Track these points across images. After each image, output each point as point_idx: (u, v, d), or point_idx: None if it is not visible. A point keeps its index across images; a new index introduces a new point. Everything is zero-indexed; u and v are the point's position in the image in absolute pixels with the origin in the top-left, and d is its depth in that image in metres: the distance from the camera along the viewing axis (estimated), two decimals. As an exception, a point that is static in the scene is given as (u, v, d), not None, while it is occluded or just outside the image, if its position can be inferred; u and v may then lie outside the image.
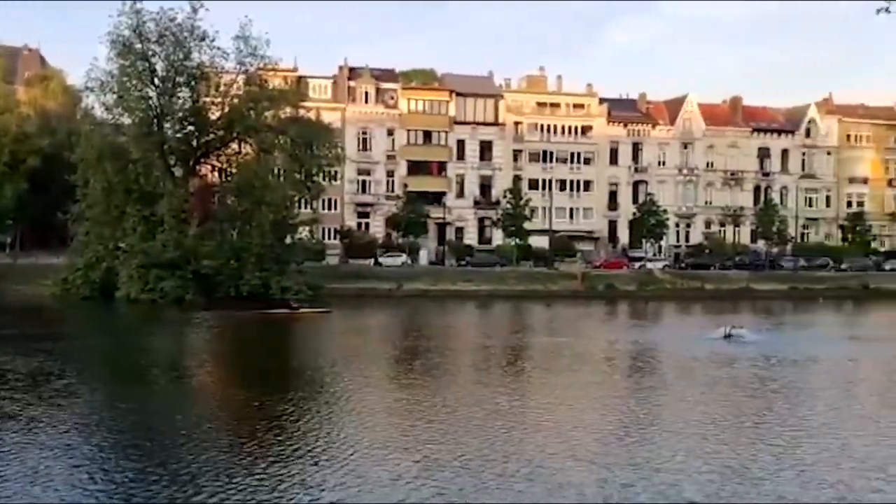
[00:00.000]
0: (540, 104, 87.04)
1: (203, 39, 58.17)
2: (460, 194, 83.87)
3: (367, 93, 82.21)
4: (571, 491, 15.15)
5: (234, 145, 62.16)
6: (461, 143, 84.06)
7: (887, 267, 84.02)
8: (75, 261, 58.05)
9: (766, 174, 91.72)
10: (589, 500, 14.69)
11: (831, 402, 24.71)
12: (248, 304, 51.01)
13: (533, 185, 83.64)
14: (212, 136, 61.35)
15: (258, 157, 60.82)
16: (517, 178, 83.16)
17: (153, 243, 55.00)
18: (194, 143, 61.19)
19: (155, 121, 58.66)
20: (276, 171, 61.07)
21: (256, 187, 57.37)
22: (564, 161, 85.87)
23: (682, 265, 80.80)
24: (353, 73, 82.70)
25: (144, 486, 14.92)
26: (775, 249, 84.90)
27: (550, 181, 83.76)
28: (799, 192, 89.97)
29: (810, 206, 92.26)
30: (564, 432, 19.62)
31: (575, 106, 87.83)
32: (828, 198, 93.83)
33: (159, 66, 58.28)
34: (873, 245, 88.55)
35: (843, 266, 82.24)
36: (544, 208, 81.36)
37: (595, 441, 19.05)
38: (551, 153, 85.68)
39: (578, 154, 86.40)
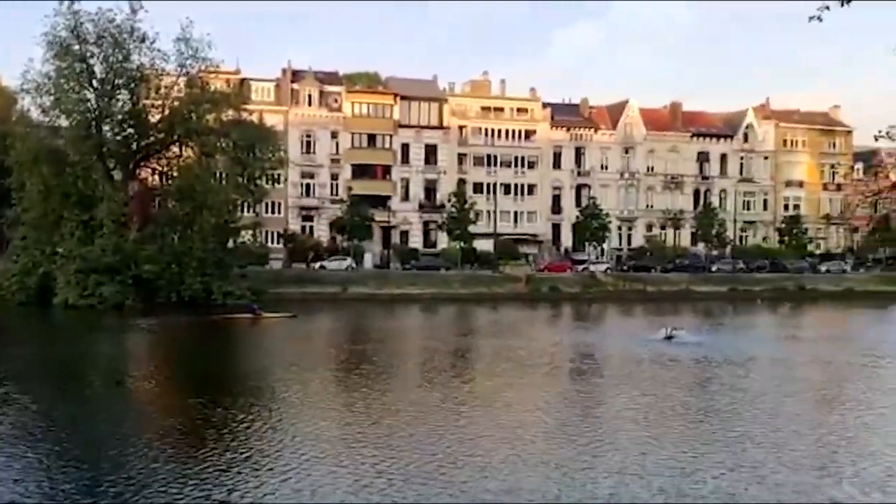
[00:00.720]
0: (484, 108, 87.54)
1: (143, 41, 57.44)
2: (405, 198, 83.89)
3: (310, 96, 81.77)
4: (522, 493, 15.26)
5: (175, 148, 61.42)
6: (406, 147, 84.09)
7: (823, 269, 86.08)
8: (10, 266, 56.83)
9: (706, 178, 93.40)
10: (538, 501, 14.82)
11: (769, 401, 25.25)
12: (206, 310, 50.45)
13: (477, 188, 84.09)
14: (152, 139, 60.54)
15: (200, 160, 60.13)
16: (462, 182, 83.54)
17: (92, 248, 54.06)
18: (134, 146, 60.34)
19: (93, 123, 57.63)
20: (218, 174, 60.50)
21: (198, 191, 56.79)
22: (508, 165, 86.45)
23: (625, 268, 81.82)
24: (297, 75, 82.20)
25: (90, 497, 14.63)
26: (715, 252, 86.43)
27: (495, 185, 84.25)
28: (737, 196, 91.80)
29: (748, 209, 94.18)
30: (511, 434, 19.71)
31: (519, 110, 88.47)
32: (765, 201, 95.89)
33: (98, 68, 57.34)
34: (809, 247, 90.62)
35: (781, 268, 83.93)
36: (489, 212, 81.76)
37: (542, 442, 19.20)
38: (495, 157, 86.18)
39: (522, 158, 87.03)
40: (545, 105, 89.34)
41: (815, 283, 79.85)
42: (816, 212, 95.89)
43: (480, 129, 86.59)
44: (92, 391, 26.61)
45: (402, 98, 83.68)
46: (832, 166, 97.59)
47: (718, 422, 21.87)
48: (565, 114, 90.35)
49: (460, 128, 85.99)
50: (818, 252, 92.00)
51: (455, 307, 62.02)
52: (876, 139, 13.03)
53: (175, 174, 61.13)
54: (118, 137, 59.36)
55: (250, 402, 23.91)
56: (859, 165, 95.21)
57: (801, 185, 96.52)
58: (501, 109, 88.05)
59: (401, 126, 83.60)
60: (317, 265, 71.83)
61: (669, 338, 39.19)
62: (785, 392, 27.43)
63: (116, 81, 57.82)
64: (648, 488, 15.65)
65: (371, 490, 15.23)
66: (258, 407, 23.28)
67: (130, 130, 59.88)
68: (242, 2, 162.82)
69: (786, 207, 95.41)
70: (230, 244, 61.06)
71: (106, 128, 58.65)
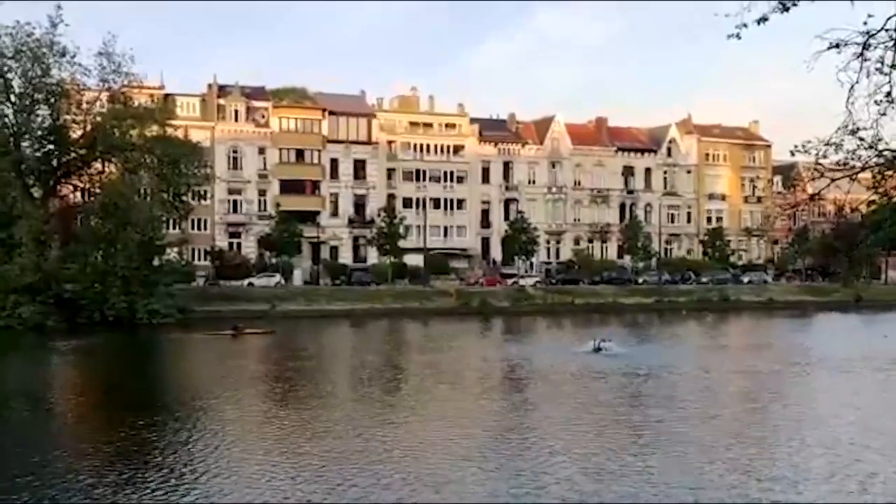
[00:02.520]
0: (413, 123, 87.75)
1: (63, 55, 56.35)
2: (334, 213, 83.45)
3: (237, 111, 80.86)
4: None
5: (98, 165, 60.35)
6: (335, 162, 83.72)
7: (745, 280, 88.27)
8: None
9: (631, 192, 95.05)
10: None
11: (695, 410, 25.83)
12: (185, 327, 50.25)
13: (407, 203, 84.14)
14: (73, 155, 59.34)
15: (123, 176, 59.15)
16: (391, 197, 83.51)
17: (10, 267, 52.67)
18: (54, 162, 59.08)
19: (11, 139, 56.30)
20: (142, 190, 59.51)
21: (121, 207, 55.75)
22: (438, 180, 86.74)
23: (553, 281, 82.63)
24: (223, 90, 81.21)
25: None
26: (641, 264, 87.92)
27: (424, 199, 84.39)
28: (662, 209, 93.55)
29: (672, 222, 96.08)
30: (439, 450, 19.75)
31: (447, 125, 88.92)
32: (689, 214, 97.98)
33: (16, 83, 56.11)
34: (732, 259, 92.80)
35: (704, 279, 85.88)
36: (419, 226, 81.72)
37: (470, 456, 19.26)
38: (424, 172, 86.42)
39: (451, 173, 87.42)
40: (473, 120, 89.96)
41: (738, 294, 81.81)
42: (738, 224, 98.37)
43: (409, 144, 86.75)
44: (15, 416, 25.81)
45: (331, 113, 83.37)
46: (752, 179, 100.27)
47: (646, 431, 22.24)
48: (493, 129, 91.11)
49: (389, 143, 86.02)
50: (740, 263, 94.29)
51: (386, 322, 61.90)
52: (792, 154, 13.39)
53: (98, 191, 59.88)
54: (38, 153, 58.11)
55: (176, 422, 23.52)
56: (778, 178, 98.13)
57: (723, 198, 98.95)
58: (430, 125, 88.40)
59: (329, 141, 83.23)
60: (245, 282, 70.84)
61: (598, 350, 39.70)
62: (709, 400, 28.05)
63: (36, 96, 56.54)
64: (572, 489, 15.87)
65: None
66: (183, 427, 22.90)
67: (51, 146, 58.65)
68: (167, 14, 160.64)
69: (709, 220, 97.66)
70: (156, 262, 59.86)
71: (25, 144, 57.31)
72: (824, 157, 13.49)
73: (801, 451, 20.13)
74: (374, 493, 16.09)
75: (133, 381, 34.08)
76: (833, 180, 14.08)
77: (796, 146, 13.41)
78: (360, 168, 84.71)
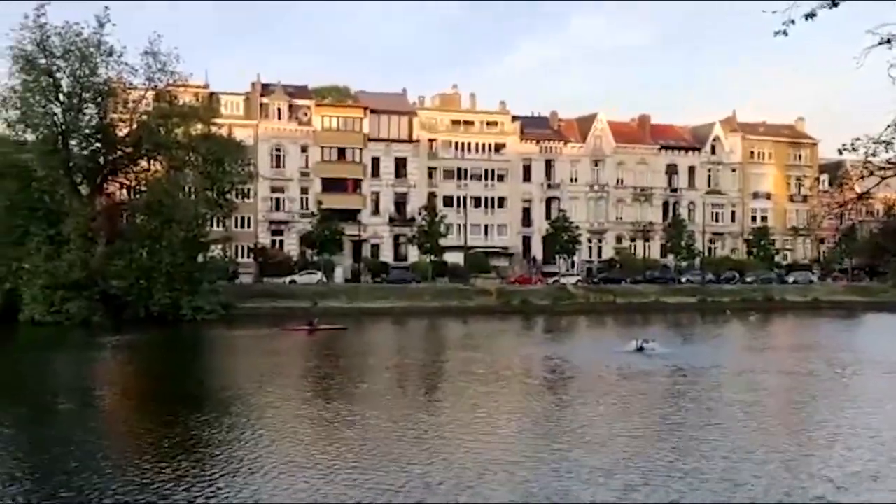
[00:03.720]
0: (454, 122, 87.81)
1: (110, 55, 57.23)
2: (375, 211, 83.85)
3: (279, 109, 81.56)
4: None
5: (144, 163, 61.16)
6: (376, 161, 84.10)
7: (790, 279, 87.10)
8: (-25, 282, 55.96)
9: (674, 190, 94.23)
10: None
11: (739, 411, 25.57)
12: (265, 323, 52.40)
13: (448, 201, 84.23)
14: (120, 153, 60.23)
15: (168, 174, 60.00)
16: (432, 195, 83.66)
17: (58, 263, 53.59)
18: (101, 160, 59.99)
19: (60, 138, 57.23)
20: (186, 188, 60.26)
21: (166, 205, 56.54)
22: (479, 178, 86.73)
23: (595, 280, 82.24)
24: (266, 89, 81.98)
25: None
26: (684, 263, 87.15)
27: (465, 198, 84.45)
28: (705, 208, 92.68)
29: (716, 220, 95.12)
30: (483, 449, 19.75)
31: (488, 123, 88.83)
32: (733, 213, 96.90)
33: (65, 82, 57.02)
34: (777, 258, 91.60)
35: (749, 279, 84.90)
36: (459, 225, 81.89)
37: (513, 455, 19.27)
38: (465, 170, 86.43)
39: (492, 171, 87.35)
40: (515, 118, 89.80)
41: (783, 294, 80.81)
42: (783, 223, 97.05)
43: (450, 142, 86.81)
44: (71, 410, 26.34)
45: (372, 112, 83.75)
46: (798, 178, 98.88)
47: (689, 433, 22.06)
48: (535, 126, 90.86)
49: (430, 141, 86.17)
50: (785, 263, 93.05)
51: (426, 321, 62.03)
52: (840, 152, 13.22)
53: (143, 189, 60.80)
54: (85, 152, 59.07)
55: (215, 416, 23.83)
56: (825, 177, 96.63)
57: (768, 196, 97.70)
58: (471, 123, 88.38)
59: (371, 140, 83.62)
60: (287, 279, 71.46)
61: (640, 349, 39.46)
62: (754, 401, 27.73)
63: (83, 95, 57.46)
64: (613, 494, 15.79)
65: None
66: (222, 421, 23.20)
67: (98, 145, 59.58)
68: (211, 14, 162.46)
69: (753, 219, 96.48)
70: (199, 259, 60.66)
71: (73, 142, 58.26)
72: (874, 154, 13.28)
73: (847, 452, 19.84)
74: (419, 493, 16.18)
75: (183, 376, 34.65)
76: (883, 178, 13.85)
77: (845, 144, 13.22)
78: (401, 166, 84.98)
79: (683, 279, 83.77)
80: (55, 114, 57.19)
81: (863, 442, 21.07)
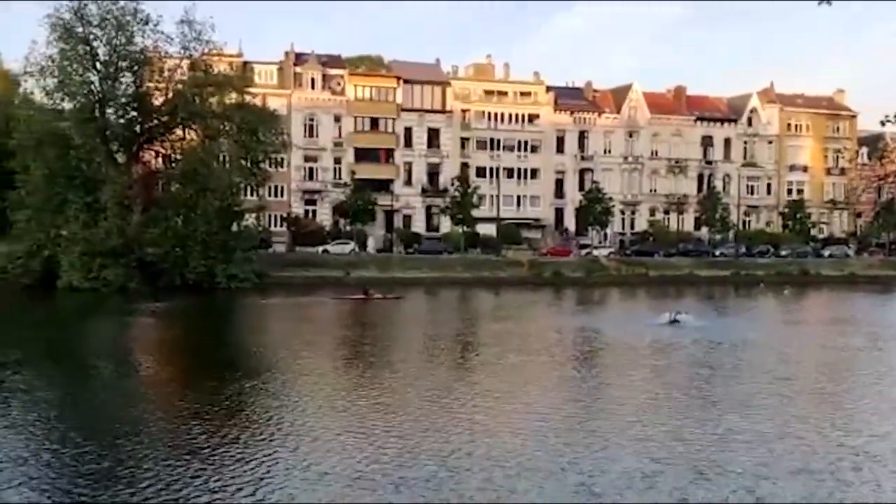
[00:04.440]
0: (487, 92, 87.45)
1: (146, 23, 57.64)
2: (408, 182, 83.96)
3: (313, 79, 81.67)
4: (532, 476, 15.58)
5: (179, 131, 61.69)
6: (409, 131, 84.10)
7: (826, 253, 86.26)
8: (14, 249, 56.98)
9: (709, 162, 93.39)
10: (549, 485, 15.14)
11: (773, 384, 25.57)
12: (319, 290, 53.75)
13: (480, 172, 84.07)
14: (155, 121, 60.78)
15: (203, 143, 60.46)
16: (465, 166, 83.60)
17: (96, 231, 54.35)
18: (137, 128, 60.55)
19: (97, 106, 57.87)
20: (221, 157, 60.73)
21: (201, 174, 57.04)
22: (512, 149, 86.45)
23: (628, 252, 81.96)
24: (300, 59, 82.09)
25: (101, 486, 14.86)
26: (718, 236, 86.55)
27: (498, 169, 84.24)
28: (741, 180, 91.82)
29: (752, 193, 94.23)
30: (519, 419, 19.95)
31: (522, 94, 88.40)
32: (769, 185, 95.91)
33: (101, 51, 57.49)
34: (812, 232, 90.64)
35: (783, 252, 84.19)
36: (492, 196, 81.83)
37: (547, 428, 19.47)
38: (499, 141, 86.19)
39: (525, 142, 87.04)
40: (549, 89, 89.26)
41: (818, 268, 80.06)
42: (820, 196, 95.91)
43: (483, 112, 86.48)
44: (115, 375, 26.91)
45: (405, 81, 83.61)
46: (836, 151, 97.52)
47: (723, 404, 22.15)
48: (569, 97, 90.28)
49: (463, 111, 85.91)
50: (821, 237, 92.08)
51: (458, 291, 62.26)
52: (882, 124, 13.12)
53: (178, 157, 61.36)
54: (122, 120, 59.62)
55: (242, 382, 24.26)
56: (863, 150, 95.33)
57: (804, 169, 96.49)
58: (505, 93, 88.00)
59: (404, 110, 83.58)
60: (320, 249, 71.98)
61: (674, 322, 39.47)
62: (788, 375, 27.68)
63: (120, 64, 57.93)
64: (653, 479, 15.95)
65: (382, 478, 15.57)
66: (255, 388, 23.62)
67: (134, 113, 60.08)
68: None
69: (789, 192, 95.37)
70: (234, 227, 61.26)
71: (109, 111, 58.85)
72: (917, 127, 13.14)
73: (882, 426, 19.84)
74: (455, 460, 16.46)
75: (225, 342, 35.23)
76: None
77: (887, 116, 13.12)
78: (433, 137, 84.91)
79: (717, 252, 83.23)
80: (92, 82, 57.67)
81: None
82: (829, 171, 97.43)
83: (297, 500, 14.01)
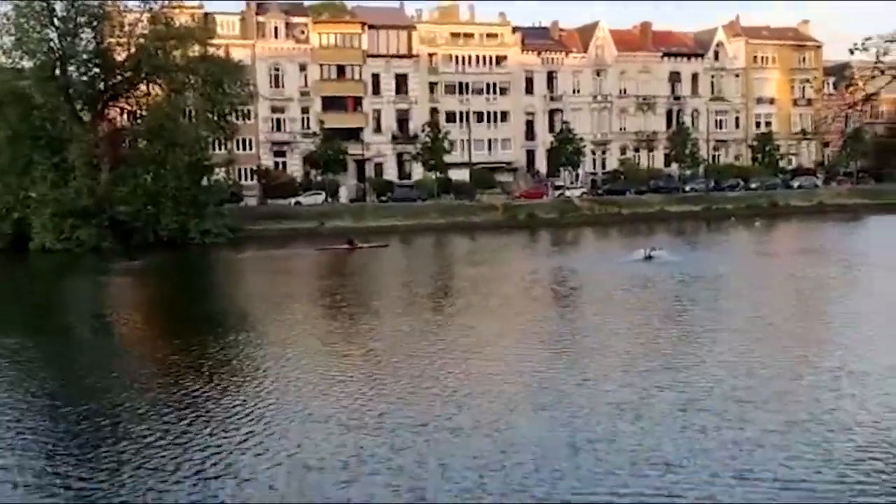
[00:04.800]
0: (453, 35, 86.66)
1: (104, -23, 56.41)
2: (377, 129, 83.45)
3: (276, 28, 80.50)
4: (523, 411, 16.05)
5: (143, 87, 60.89)
6: (376, 77, 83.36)
7: (795, 184, 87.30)
8: (-18, 212, 56.37)
9: (678, 98, 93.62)
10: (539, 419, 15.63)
11: (750, 314, 26.27)
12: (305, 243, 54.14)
13: (450, 117, 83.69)
14: (119, 78, 59.92)
15: (168, 97, 59.73)
16: (434, 111, 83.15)
17: (65, 191, 53.95)
18: (101, 85, 59.73)
19: (57, 64, 56.93)
20: (187, 111, 60.14)
21: (168, 129, 56.59)
22: (480, 92, 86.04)
23: (599, 192, 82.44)
24: (261, 8, 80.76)
25: (87, 447, 15.11)
26: (688, 172, 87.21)
27: (467, 113, 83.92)
28: (709, 115, 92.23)
29: (720, 128, 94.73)
30: (506, 367, 20.29)
31: (488, 36, 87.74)
32: (737, 119, 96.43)
33: (59, 6, 56.56)
34: (781, 164, 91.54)
35: (753, 185, 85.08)
36: (463, 140, 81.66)
37: (533, 372, 19.96)
38: (467, 84, 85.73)
39: (494, 84, 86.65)
40: (515, 30, 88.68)
41: (788, 199, 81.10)
42: (788, 128, 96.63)
43: (450, 56, 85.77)
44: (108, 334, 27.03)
45: (370, 27, 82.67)
46: (803, 82, 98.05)
47: (708, 340, 22.76)
48: (536, 38, 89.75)
49: (430, 56, 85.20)
50: (790, 168, 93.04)
51: (433, 238, 62.56)
52: (851, 52, 13.45)
53: (144, 113, 60.66)
54: (84, 77, 58.75)
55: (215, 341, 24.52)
56: (830, 80, 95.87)
57: (771, 101, 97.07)
58: (471, 35, 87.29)
59: (370, 56, 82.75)
60: (292, 201, 71.77)
61: (648, 258, 40.10)
62: (762, 304, 28.37)
63: (79, 20, 56.93)
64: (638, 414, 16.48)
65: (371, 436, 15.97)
66: (227, 344, 23.89)
67: (96, 70, 59.21)
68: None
69: (757, 125, 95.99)
70: (204, 182, 60.94)
71: (71, 68, 57.94)
72: (885, 54, 13.50)
73: (856, 350, 20.51)
74: (431, 409, 16.90)
75: (200, 298, 35.35)
76: (895, 77, 14.06)
77: (856, 44, 13.43)
78: (401, 83, 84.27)
79: (688, 188, 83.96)
80: (51, 39, 56.67)
81: (868, 336, 21.77)
82: (796, 103, 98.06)
83: (292, 450, 14.39)
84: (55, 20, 56.31)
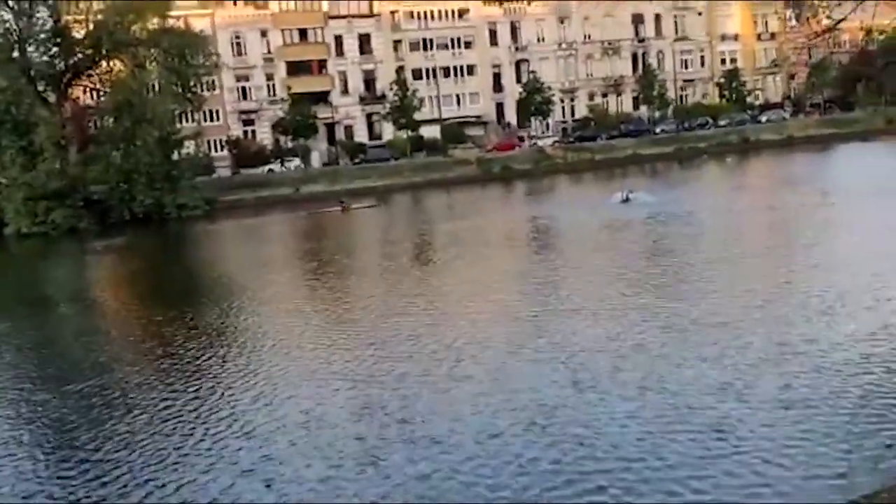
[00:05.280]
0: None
1: (56, -47, 55.48)
2: (345, 91, 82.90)
3: (234, -5, 79.59)
4: (516, 359, 16.52)
5: (105, 63, 60.07)
6: (339, 39, 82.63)
7: (763, 119, 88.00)
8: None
9: (642, 40, 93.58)
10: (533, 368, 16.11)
11: (732, 248, 26.85)
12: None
13: (417, 74, 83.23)
14: (79, 55, 59.09)
15: (132, 73, 59.05)
16: (400, 69, 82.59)
17: (36, 174, 53.39)
18: (62, 65, 58.89)
19: (16, 45, 56.16)
20: (152, 86, 59.59)
21: (135, 105, 56.07)
22: (445, 47, 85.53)
23: (571, 140, 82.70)
24: (218, -25, 79.69)
25: (72, 428, 15.13)
26: (657, 114, 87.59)
27: (434, 69, 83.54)
28: (675, 55, 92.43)
29: (686, 68, 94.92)
30: (501, 329, 20.01)
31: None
32: (702, 58, 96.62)
33: (12, -13, 55.42)
34: (749, 100, 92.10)
35: (722, 123, 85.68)
36: (431, 97, 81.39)
37: (534, 309, 20.42)
38: (431, 40, 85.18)
39: (458, 39, 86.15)
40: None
41: (758, 134, 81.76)
42: (752, 63, 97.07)
43: (412, 12, 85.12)
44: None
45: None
46: (765, 16, 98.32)
47: (693, 275, 23.31)
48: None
49: (392, 13, 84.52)
50: (758, 103, 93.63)
51: (410, 195, 62.75)
52: (814, -20, 13.72)
53: (108, 90, 60.00)
54: (44, 58, 57.94)
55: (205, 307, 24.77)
56: (791, 13, 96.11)
57: (735, 38, 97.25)
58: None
59: (331, 17, 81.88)
60: (265, 169, 71.48)
61: (626, 200, 40.58)
62: (740, 238, 28.98)
63: (33, -1, 56.05)
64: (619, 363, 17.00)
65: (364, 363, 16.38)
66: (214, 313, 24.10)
67: (55, 49, 58.33)
68: None
69: (723, 62, 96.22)
70: (175, 156, 60.53)
71: (30, 48, 57.16)
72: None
73: (844, 268, 21.14)
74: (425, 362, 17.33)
75: (185, 272, 35.46)
76: (859, 2, 14.45)
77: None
78: (365, 43, 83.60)
79: (658, 130, 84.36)
80: (7, 20, 55.86)
81: (838, 262, 22.42)
82: (759, 37, 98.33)
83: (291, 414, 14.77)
84: (9, 1, 55.37)
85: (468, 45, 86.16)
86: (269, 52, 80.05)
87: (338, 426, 13.64)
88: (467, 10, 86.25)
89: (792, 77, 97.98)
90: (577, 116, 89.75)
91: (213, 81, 70.03)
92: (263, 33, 79.96)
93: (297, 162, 72.78)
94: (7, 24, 55.93)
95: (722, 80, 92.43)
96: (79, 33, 58.15)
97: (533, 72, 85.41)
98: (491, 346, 17.09)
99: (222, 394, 15.68)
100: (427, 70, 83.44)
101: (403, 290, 24.37)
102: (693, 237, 29.87)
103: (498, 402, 13.86)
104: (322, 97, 79.55)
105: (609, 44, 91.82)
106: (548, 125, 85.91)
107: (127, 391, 16.49)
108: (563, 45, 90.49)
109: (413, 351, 17.40)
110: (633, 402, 13.37)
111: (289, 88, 76.28)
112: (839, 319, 16.89)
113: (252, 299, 25.47)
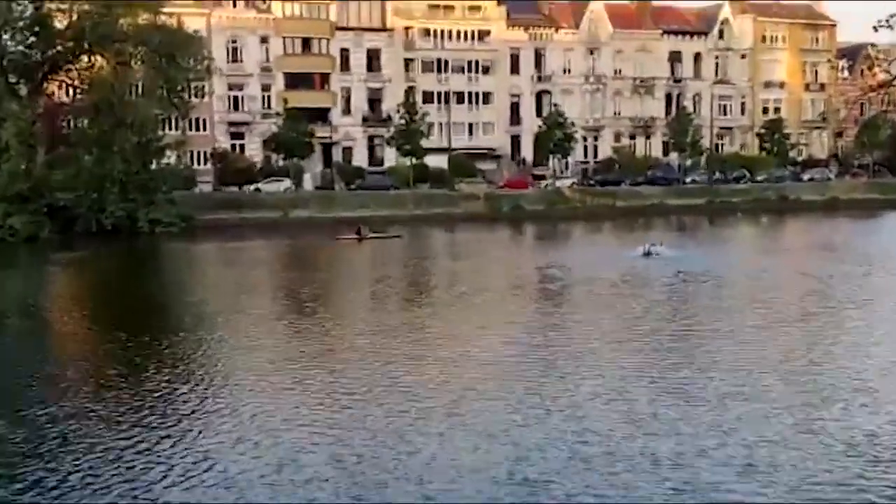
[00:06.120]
0: (432, 7, 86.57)
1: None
2: (347, 110, 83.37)
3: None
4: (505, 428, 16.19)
5: (86, 58, 60.42)
6: (345, 53, 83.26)
7: (805, 177, 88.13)
8: None
9: (678, 80, 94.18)
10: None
11: (756, 316, 26.56)
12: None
13: (427, 98, 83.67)
14: (59, 48, 59.48)
15: (115, 71, 59.34)
16: (410, 91, 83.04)
17: (-3, 174, 53.49)
18: (39, 56, 59.24)
19: (-10, 32, 56.50)
20: (136, 86, 59.84)
21: (115, 106, 56.41)
22: (461, 70, 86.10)
23: (591, 182, 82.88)
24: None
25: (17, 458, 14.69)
26: (689, 162, 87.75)
27: (447, 93, 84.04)
28: (713, 99, 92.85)
29: (725, 113, 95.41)
30: (480, 370, 20.27)
31: (471, 8, 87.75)
32: (742, 104, 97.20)
33: (-8, -31, 55.89)
34: (791, 154, 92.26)
35: (760, 177, 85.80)
36: (441, 124, 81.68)
37: (540, 357, 20.10)
38: (446, 62, 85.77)
39: (476, 62, 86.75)
40: (500, 2, 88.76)
41: (798, 193, 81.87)
42: (798, 115, 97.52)
43: (428, 30, 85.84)
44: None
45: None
46: (815, 64, 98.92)
47: (713, 340, 23.01)
48: (522, 11, 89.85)
49: (406, 29, 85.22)
50: (800, 159, 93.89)
51: (409, 229, 62.54)
52: (875, 29, 13.60)
53: (87, 88, 60.24)
54: (21, 48, 58.28)
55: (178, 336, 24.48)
56: (843, 63, 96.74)
57: (781, 86, 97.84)
58: (451, 8, 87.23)
59: (339, 28, 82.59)
60: (251, 188, 71.52)
61: (648, 254, 40.43)
62: (771, 305, 28.67)
63: (15, -17, 56.49)
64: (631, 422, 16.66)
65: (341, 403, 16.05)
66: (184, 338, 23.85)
67: (33, 39, 58.69)
68: None
69: (765, 111, 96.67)
70: (154, 166, 60.60)
71: (6, 36, 57.57)
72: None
73: (870, 354, 20.84)
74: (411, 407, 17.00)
75: (149, 293, 35.15)
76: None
77: (880, 21, 13.56)
78: (373, 59, 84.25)
79: (689, 179, 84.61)
80: (-17, 5, 56.24)
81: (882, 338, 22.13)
82: (807, 87, 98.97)
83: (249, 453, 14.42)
84: (-14, -16, 55.88)
85: (486, 70, 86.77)
86: (267, 60, 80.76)
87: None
88: (489, 33, 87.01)
89: (840, 134, 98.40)
90: (599, 157, 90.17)
91: (203, 87, 70.30)
92: (263, 40, 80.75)
93: (287, 183, 72.72)
94: (-17, 10, 56.28)
95: (763, 130, 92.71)
96: (61, 23, 58.61)
97: (555, 105, 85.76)
98: (474, 409, 16.72)
99: (162, 435, 15.28)
100: (439, 94, 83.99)
101: (383, 334, 24.05)
102: (719, 300, 29.59)
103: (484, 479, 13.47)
104: (321, 114, 80.00)
105: (641, 81, 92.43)
106: (567, 164, 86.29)
107: (52, 421, 16.06)
108: (591, 79, 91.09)
109: (380, 400, 17.08)
110: (647, 475, 13.03)
111: (285, 102, 76.63)
112: (877, 403, 16.55)
113: (219, 329, 25.11)
